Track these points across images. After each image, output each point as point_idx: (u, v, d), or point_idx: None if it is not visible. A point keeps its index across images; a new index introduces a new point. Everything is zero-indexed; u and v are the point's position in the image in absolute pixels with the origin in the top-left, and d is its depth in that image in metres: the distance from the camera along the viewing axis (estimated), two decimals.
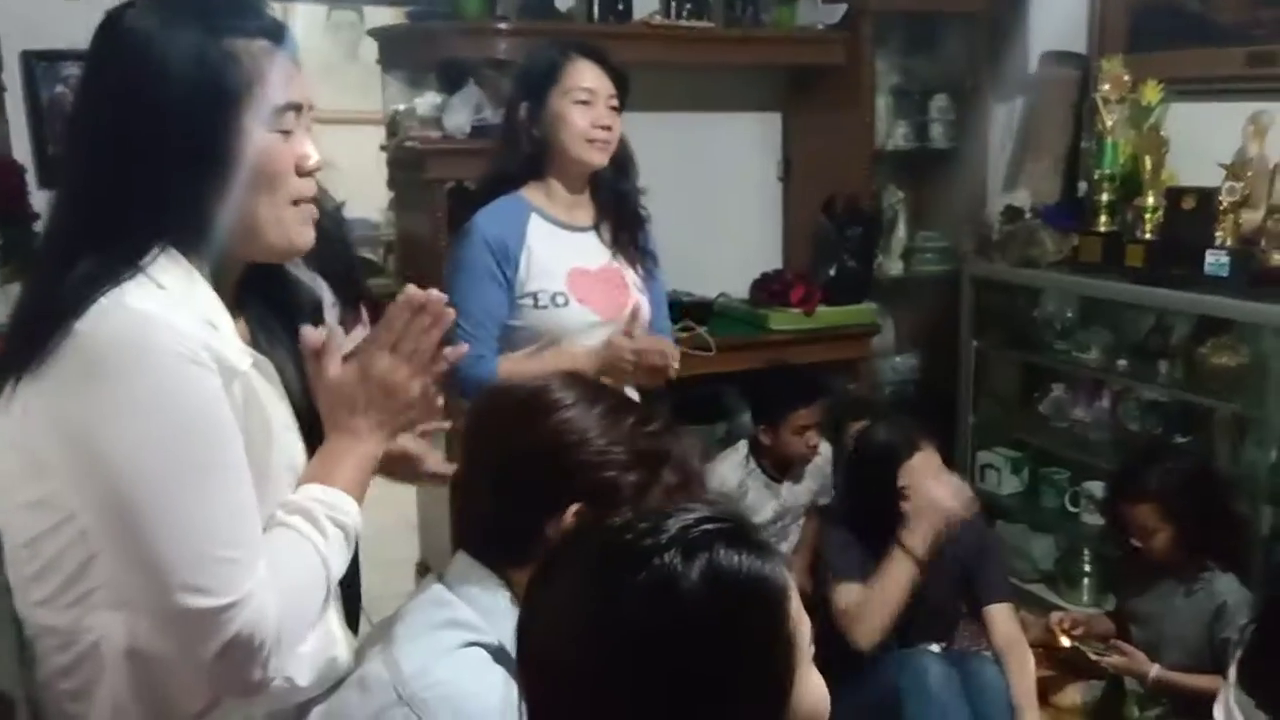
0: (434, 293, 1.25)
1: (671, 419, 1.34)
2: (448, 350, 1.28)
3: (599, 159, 2.28)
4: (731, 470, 3.27)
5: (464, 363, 1.39)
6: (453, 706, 1.09)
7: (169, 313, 1.07)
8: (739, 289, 3.87)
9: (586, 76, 2.25)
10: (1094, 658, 2.64)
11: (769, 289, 3.77)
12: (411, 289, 1.25)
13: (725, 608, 0.83)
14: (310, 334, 1.26)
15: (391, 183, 3.69)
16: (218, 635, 1.06)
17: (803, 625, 0.88)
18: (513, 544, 1.21)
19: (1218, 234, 2.90)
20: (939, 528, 2.48)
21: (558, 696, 0.87)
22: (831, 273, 3.79)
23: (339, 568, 1.22)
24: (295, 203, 1.19)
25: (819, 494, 3.39)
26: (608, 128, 2.26)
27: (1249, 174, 2.86)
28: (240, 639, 1.07)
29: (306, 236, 1.22)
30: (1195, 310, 3.00)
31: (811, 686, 0.89)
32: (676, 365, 2.27)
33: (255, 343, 1.24)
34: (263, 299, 1.28)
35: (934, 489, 2.50)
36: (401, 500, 3.57)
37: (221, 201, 1.13)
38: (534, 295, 2.26)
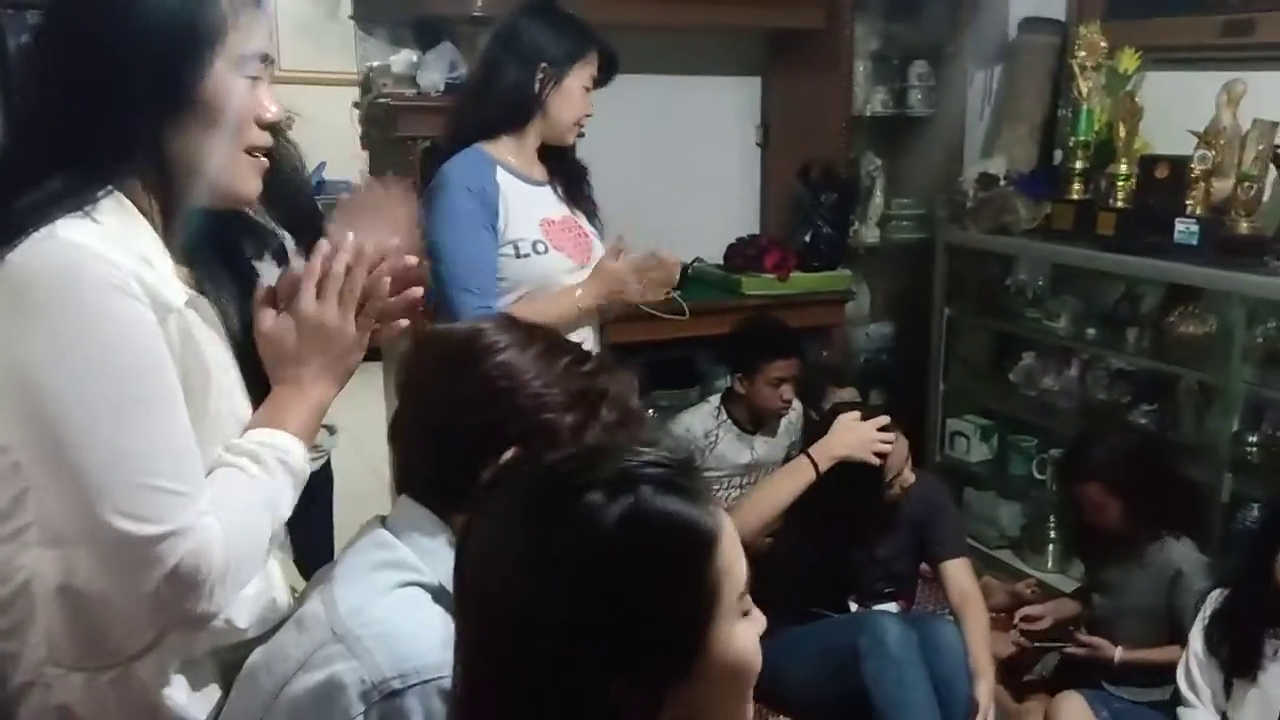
0: (346, 238, 1.24)
1: (609, 358, 1.33)
2: (408, 292, 1.27)
3: (571, 142, 2.37)
4: (700, 421, 3.29)
5: (469, 316, 1.38)
6: (388, 644, 1.09)
7: (101, 245, 1.06)
8: (716, 254, 3.86)
9: (595, 68, 2.31)
10: (1061, 653, 2.67)
11: (744, 254, 3.77)
12: (323, 240, 1.25)
13: (641, 550, 0.82)
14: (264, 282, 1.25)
15: (365, 140, 3.66)
16: (158, 566, 1.05)
17: (732, 578, 0.85)
18: (452, 488, 1.20)
19: (1189, 203, 2.91)
20: (845, 456, 2.48)
21: (484, 629, 0.87)
22: (807, 239, 3.79)
23: (286, 509, 1.21)
24: (249, 151, 1.18)
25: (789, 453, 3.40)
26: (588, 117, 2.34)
27: (1221, 142, 2.86)
28: (182, 570, 1.06)
29: (253, 186, 1.21)
30: (1163, 278, 3.01)
31: (737, 642, 0.86)
32: (677, 271, 2.29)
33: (201, 289, 1.23)
34: (211, 246, 1.27)
35: (861, 428, 2.50)
36: (377, 459, 3.56)
37: (179, 140, 1.12)
38: (514, 244, 2.26)
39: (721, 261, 3.83)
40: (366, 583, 1.18)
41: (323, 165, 3.24)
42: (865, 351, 4.13)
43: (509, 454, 1.17)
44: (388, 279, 1.26)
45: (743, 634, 0.86)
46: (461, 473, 1.18)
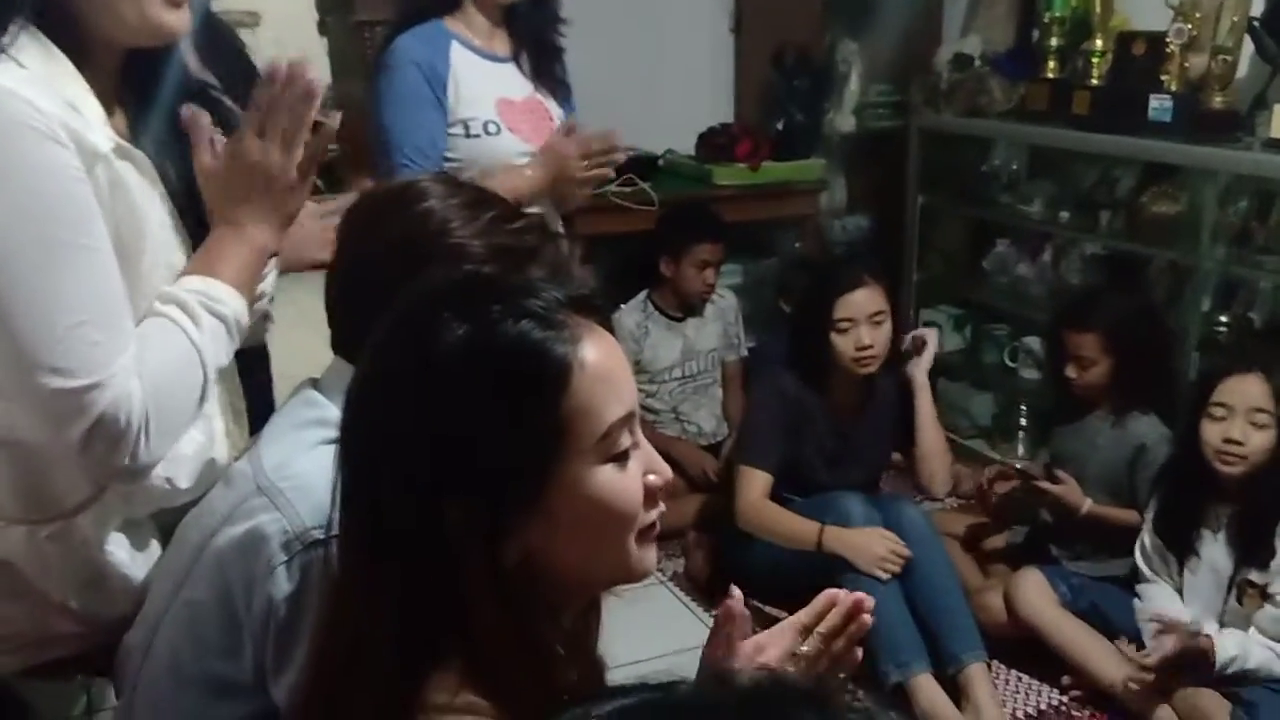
0: (297, 63, 1.19)
1: (543, 222, 1.30)
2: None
3: None
4: (629, 314, 3.31)
5: None
6: (310, 496, 1.08)
7: (25, 88, 1.04)
8: (689, 144, 3.79)
9: None
10: (1036, 484, 2.67)
11: (715, 143, 3.70)
12: (273, 62, 1.20)
13: (479, 374, 0.82)
14: (185, 112, 1.21)
15: (322, 28, 3.57)
16: (82, 417, 1.05)
17: (591, 418, 0.84)
18: None
19: (1164, 78, 2.84)
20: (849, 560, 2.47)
21: (348, 455, 0.88)
22: (779, 127, 3.72)
23: (218, 358, 1.19)
24: None
25: (725, 346, 3.42)
26: None
27: (1197, 15, 2.79)
28: (105, 421, 1.06)
29: (169, 19, 1.16)
30: (1136, 156, 2.96)
31: (595, 485, 0.85)
32: (621, 151, 2.22)
33: (135, 139, 1.20)
34: (143, 94, 1.24)
35: (880, 549, 2.47)
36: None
37: None
38: (465, 123, 2.21)
39: (693, 152, 3.76)
40: (292, 439, 1.18)
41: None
42: (840, 243, 4.08)
43: None
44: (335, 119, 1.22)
45: (604, 477, 0.86)
46: None
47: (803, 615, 1.07)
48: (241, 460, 1.21)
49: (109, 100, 1.17)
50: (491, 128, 2.20)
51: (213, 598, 1.12)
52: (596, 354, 0.85)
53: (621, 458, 0.87)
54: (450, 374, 0.82)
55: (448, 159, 2.17)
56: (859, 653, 1.07)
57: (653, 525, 0.92)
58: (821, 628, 1.05)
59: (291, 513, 1.08)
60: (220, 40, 1.77)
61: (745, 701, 0.52)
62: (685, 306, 3.34)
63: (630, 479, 0.87)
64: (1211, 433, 2.23)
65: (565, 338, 0.84)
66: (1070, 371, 2.64)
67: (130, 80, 1.22)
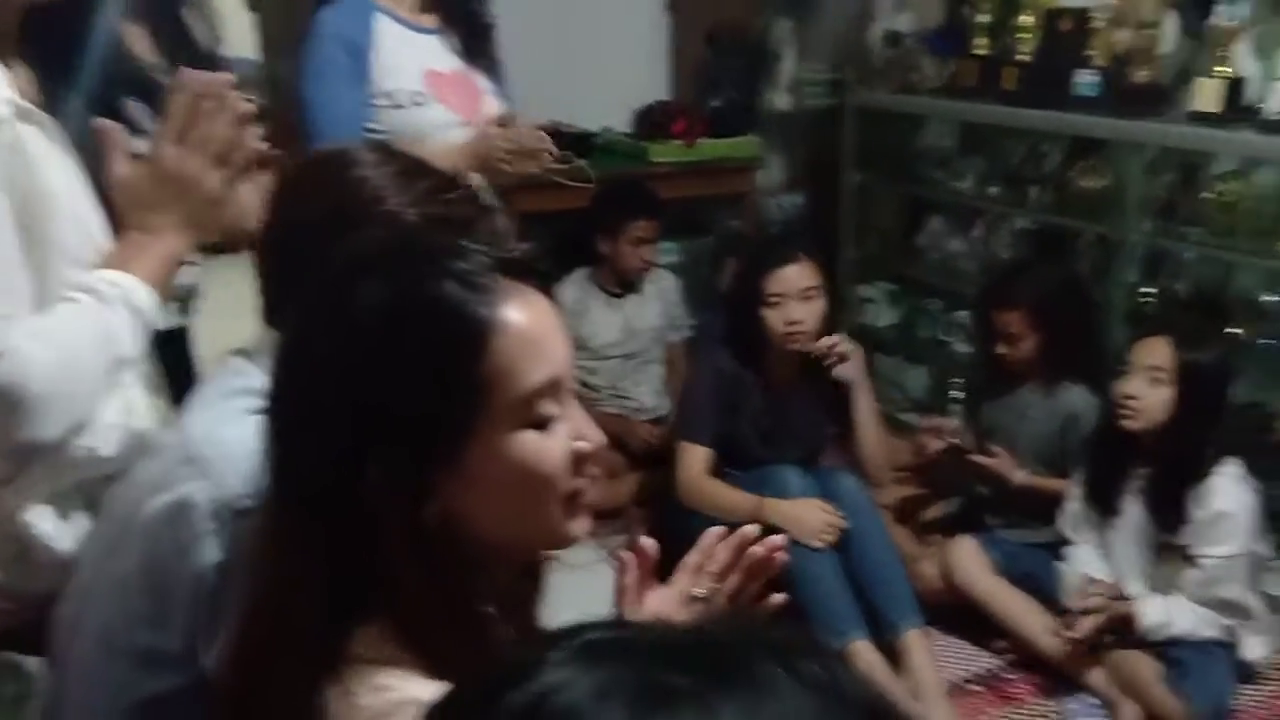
0: (213, 76, 1.17)
1: (480, 193, 1.29)
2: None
3: None
4: (568, 288, 3.30)
5: None
6: (237, 464, 1.06)
7: None
8: (625, 121, 3.78)
9: None
10: (971, 458, 2.71)
11: (651, 120, 3.70)
12: (184, 72, 1.17)
13: (396, 332, 0.82)
14: (98, 125, 1.18)
15: (253, 4, 3.50)
16: None
17: (513, 380, 0.84)
18: None
19: (1091, 54, 2.90)
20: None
21: (273, 413, 0.88)
22: (715, 104, 3.73)
23: (129, 347, 1.17)
24: None
25: (667, 325, 3.43)
26: None
27: None
28: (4, 392, 1.04)
29: None
30: (1063, 130, 3.01)
31: (517, 448, 0.85)
32: (553, 150, 2.18)
33: (46, 105, 1.16)
34: (50, 53, 1.20)
35: (818, 522, 2.49)
36: None
37: None
38: (390, 94, 2.18)
39: (629, 129, 3.75)
40: (221, 408, 1.16)
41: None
42: (777, 222, 4.10)
43: None
44: (255, 128, 1.20)
45: (526, 440, 0.85)
46: None
47: (692, 555, 1.08)
48: (169, 430, 1.19)
49: (8, 60, 1.13)
50: (419, 99, 2.18)
51: (141, 568, 1.10)
52: (523, 317, 0.85)
53: (546, 421, 0.86)
54: (370, 333, 0.82)
55: (373, 131, 2.14)
56: (776, 596, 1.08)
57: (582, 492, 0.91)
58: (712, 567, 1.06)
59: (220, 481, 1.06)
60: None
61: (705, 644, 0.52)
62: (624, 283, 3.34)
63: (555, 443, 0.87)
64: (1116, 389, 2.30)
65: (489, 299, 0.83)
66: (1000, 347, 2.68)
67: (35, 39, 1.18)
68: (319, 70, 2.15)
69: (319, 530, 0.83)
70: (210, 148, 1.17)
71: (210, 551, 1.05)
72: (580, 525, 0.92)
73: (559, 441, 0.87)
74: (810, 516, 2.49)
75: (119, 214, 1.19)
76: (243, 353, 1.24)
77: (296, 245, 1.17)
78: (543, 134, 2.17)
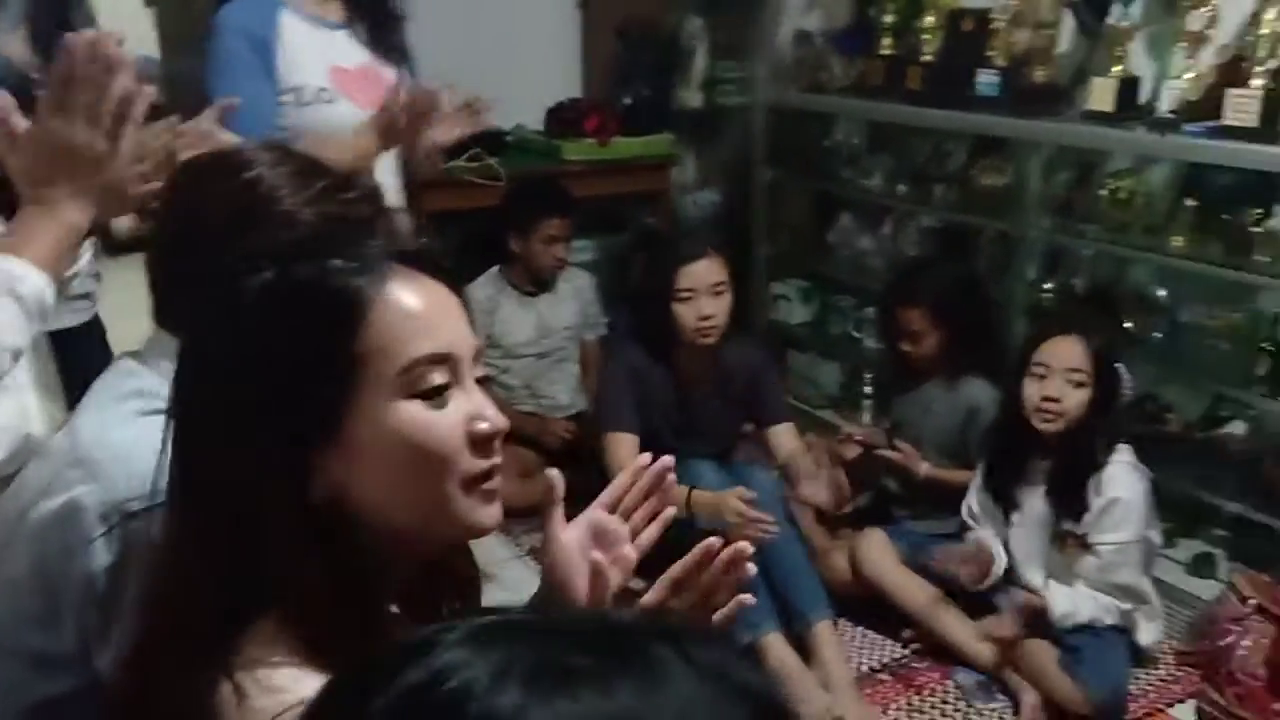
0: (101, 33, 1.14)
1: (377, 192, 1.29)
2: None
3: None
4: (480, 287, 3.30)
5: None
6: (127, 466, 1.05)
7: None
8: (537, 119, 3.77)
9: None
10: (878, 453, 2.77)
11: (564, 118, 3.69)
12: (69, 36, 1.14)
13: (275, 312, 0.84)
14: None
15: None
16: None
17: (390, 354, 0.84)
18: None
19: (991, 54, 2.97)
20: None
21: (177, 402, 0.90)
22: (628, 102, 3.74)
23: (13, 339, 1.13)
24: None
25: (583, 323, 3.44)
26: None
27: None
28: None
29: None
30: (965, 130, 3.08)
31: (394, 419, 0.84)
32: (452, 92, 2.11)
33: None
34: None
35: (733, 510, 2.46)
36: None
37: None
38: (296, 91, 2.14)
39: (542, 127, 3.75)
40: (111, 411, 1.15)
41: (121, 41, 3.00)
42: (692, 219, 4.13)
43: None
44: (147, 88, 1.17)
45: (409, 412, 0.85)
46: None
47: (676, 569, 1.03)
48: (58, 434, 1.17)
49: None
50: (325, 95, 2.15)
51: (31, 570, 1.08)
52: (407, 294, 0.85)
53: (431, 395, 0.85)
54: (250, 311, 0.83)
55: (279, 128, 2.11)
56: (749, 597, 1.05)
57: (485, 476, 0.89)
58: (675, 571, 1.02)
59: (109, 484, 1.05)
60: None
61: (602, 628, 0.53)
62: (537, 282, 3.34)
63: (445, 418, 0.86)
64: (1031, 391, 2.35)
65: (369, 278, 0.84)
66: (904, 345, 2.75)
67: None
68: (223, 65, 2.11)
69: (212, 524, 0.83)
70: (97, 113, 1.14)
71: (100, 554, 1.04)
72: (489, 513, 0.90)
73: (450, 417, 0.86)
74: (727, 506, 2.50)
75: (16, 187, 1.16)
76: (133, 354, 1.22)
77: (190, 245, 1.16)
78: (436, 90, 2.07)
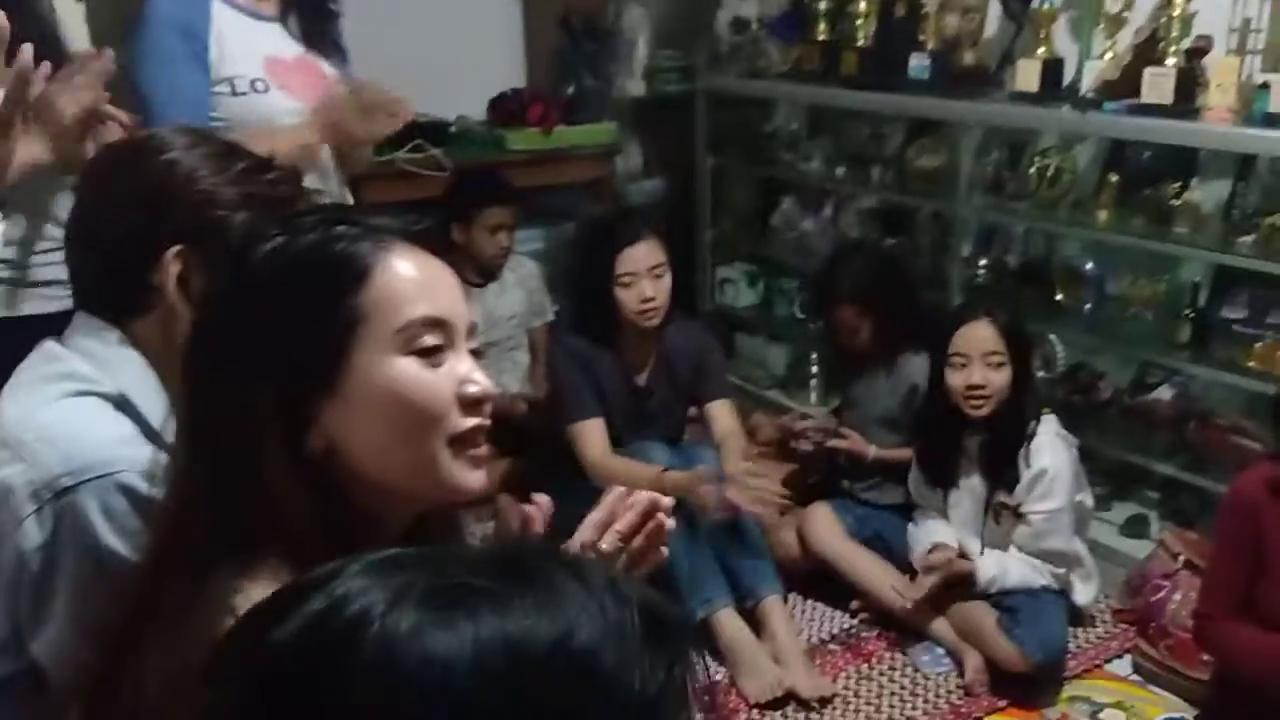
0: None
1: (298, 173, 1.31)
2: None
3: None
4: None
5: None
6: (54, 444, 1.07)
7: None
8: (480, 109, 3.78)
9: None
10: (827, 444, 2.83)
11: (507, 108, 3.70)
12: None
13: (282, 272, 0.88)
14: None
15: None
16: None
17: (389, 312, 0.88)
18: (122, 292, 1.17)
19: (923, 38, 3.02)
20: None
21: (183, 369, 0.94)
22: (570, 91, 3.76)
23: None
24: None
25: (530, 312, 3.46)
26: None
27: None
28: None
29: None
30: (898, 113, 3.14)
31: (388, 372, 0.88)
32: (408, 106, 2.13)
33: None
34: None
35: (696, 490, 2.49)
36: None
37: None
38: (230, 82, 2.13)
39: (485, 117, 3.76)
40: (36, 394, 1.15)
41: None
42: (638, 207, 4.15)
43: (172, 252, 1.14)
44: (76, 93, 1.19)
45: (403, 368, 0.89)
46: (128, 274, 1.16)
47: (596, 513, 1.09)
48: None
49: None
50: (260, 85, 2.14)
51: None
52: (407, 262, 0.90)
53: (427, 354, 0.89)
54: (257, 272, 0.89)
55: (214, 119, 2.11)
56: (663, 551, 1.11)
57: (471, 437, 0.92)
58: (619, 525, 1.07)
59: (37, 462, 1.06)
60: None
61: (498, 555, 0.56)
62: (483, 272, 3.34)
63: (437, 377, 0.90)
64: (956, 380, 2.40)
65: (372, 246, 0.89)
66: (840, 338, 2.81)
67: None
68: (152, 56, 2.09)
69: (216, 461, 0.87)
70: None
71: (32, 534, 1.04)
72: (474, 477, 0.93)
73: (442, 377, 0.91)
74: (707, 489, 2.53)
75: None
76: (56, 338, 1.23)
77: (107, 229, 1.18)
78: (378, 87, 2.09)
